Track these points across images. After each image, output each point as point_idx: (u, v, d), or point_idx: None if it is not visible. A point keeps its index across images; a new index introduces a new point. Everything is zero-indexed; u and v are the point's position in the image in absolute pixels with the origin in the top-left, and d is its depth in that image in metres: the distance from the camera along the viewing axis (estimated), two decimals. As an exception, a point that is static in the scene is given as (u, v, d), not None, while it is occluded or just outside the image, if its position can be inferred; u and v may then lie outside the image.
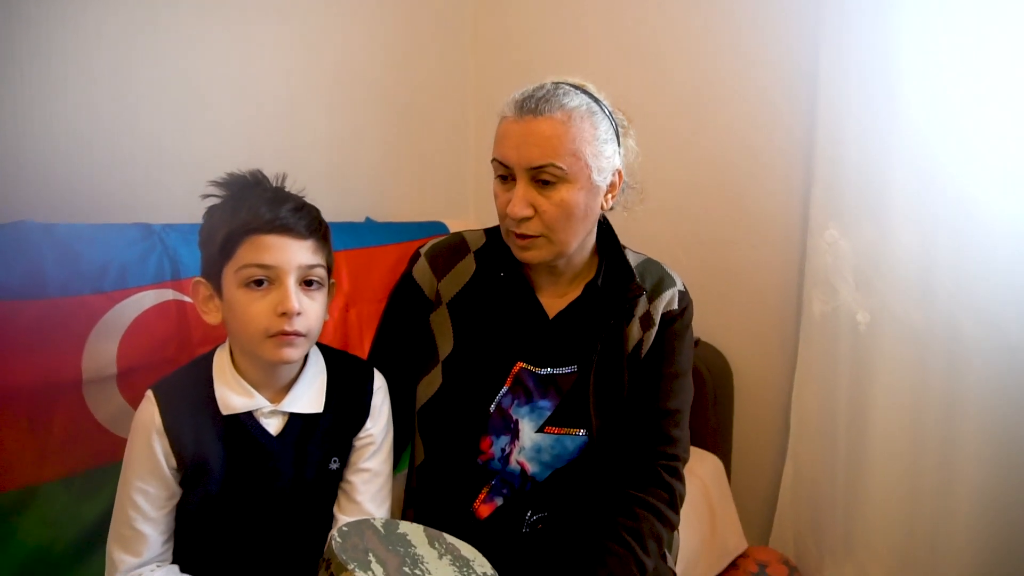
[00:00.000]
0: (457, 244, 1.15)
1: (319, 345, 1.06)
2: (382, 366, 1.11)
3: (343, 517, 1.03)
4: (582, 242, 1.06)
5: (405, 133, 2.00)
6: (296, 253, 0.92)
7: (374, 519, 0.91)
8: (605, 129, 1.02)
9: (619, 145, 1.04)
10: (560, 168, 0.97)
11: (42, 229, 1.11)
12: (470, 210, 2.17)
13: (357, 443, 1.04)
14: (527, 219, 0.99)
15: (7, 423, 1.01)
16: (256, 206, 0.92)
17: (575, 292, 1.10)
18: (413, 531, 0.89)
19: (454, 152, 2.17)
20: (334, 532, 0.84)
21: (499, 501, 1.08)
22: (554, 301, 1.10)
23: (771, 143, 1.64)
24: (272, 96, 1.67)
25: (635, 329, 1.09)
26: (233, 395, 0.95)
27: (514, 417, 1.07)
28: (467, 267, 1.12)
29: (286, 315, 0.91)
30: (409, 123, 2.01)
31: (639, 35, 1.84)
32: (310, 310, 0.94)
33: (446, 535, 0.91)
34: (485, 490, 1.08)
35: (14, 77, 1.22)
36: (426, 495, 1.12)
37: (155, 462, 0.93)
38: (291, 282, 0.92)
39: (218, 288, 0.94)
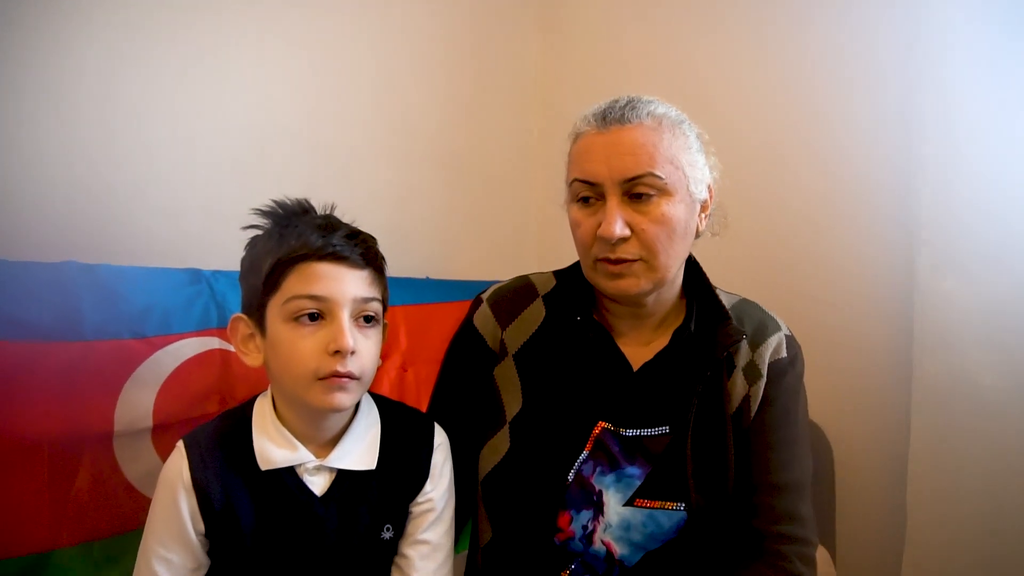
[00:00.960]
0: (523, 288, 1.02)
1: (372, 394, 0.93)
2: (450, 432, 0.97)
3: (394, 598, 0.88)
4: (675, 274, 0.92)
5: (467, 188, 1.92)
6: (351, 284, 0.81)
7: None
8: (695, 138, 0.91)
9: (706, 158, 0.93)
10: (659, 177, 0.85)
11: (83, 269, 1.03)
12: (533, 268, 2.06)
13: (414, 509, 0.90)
14: (623, 240, 0.85)
15: (26, 476, 0.90)
16: (306, 232, 0.82)
17: (662, 340, 0.95)
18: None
19: (517, 208, 2.08)
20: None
21: (580, 589, 0.90)
22: (638, 350, 0.96)
23: (868, 179, 1.48)
24: (331, 147, 1.62)
25: (738, 383, 0.93)
26: (273, 447, 0.83)
27: (597, 488, 0.91)
28: (535, 313, 0.99)
29: (339, 354, 0.79)
30: (471, 178, 1.94)
31: (711, 86, 1.74)
32: (365, 350, 0.82)
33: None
34: (564, 575, 0.90)
35: (72, 119, 1.18)
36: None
37: (180, 524, 0.80)
38: (345, 316, 0.80)
39: (261, 325, 0.83)
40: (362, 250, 0.84)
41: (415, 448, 0.91)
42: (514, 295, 1.02)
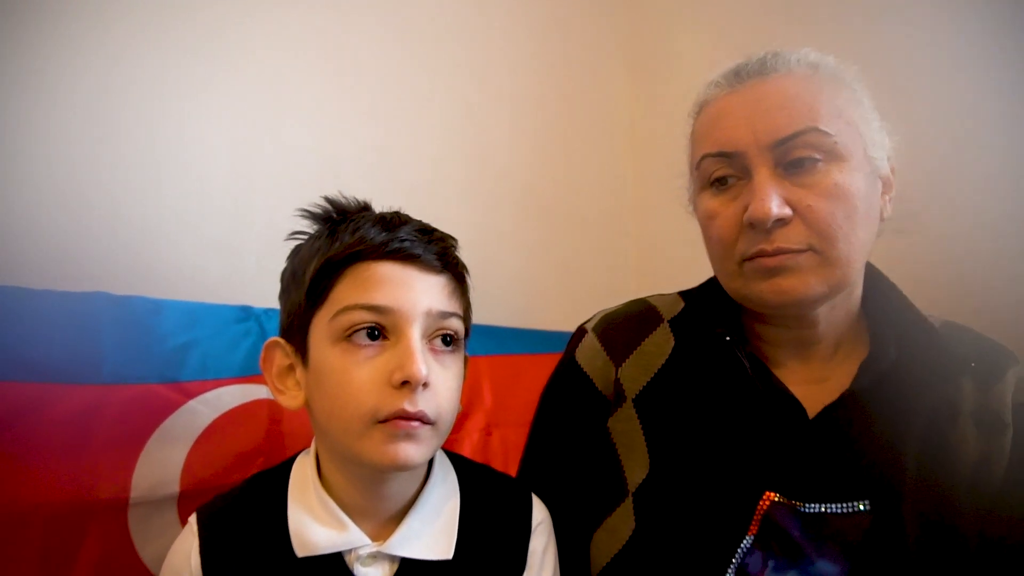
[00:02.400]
0: (641, 313, 0.78)
1: (447, 452, 0.70)
2: (553, 506, 0.73)
3: None
4: (856, 276, 0.66)
5: (555, 233, 1.74)
6: (424, 292, 0.60)
7: None
8: (863, 93, 0.67)
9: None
10: (826, 134, 0.62)
11: (112, 301, 0.86)
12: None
13: (506, 614, 0.64)
14: (782, 224, 0.61)
15: (13, 552, 0.70)
16: (364, 226, 0.61)
17: (841, 376, 0.69)
18: None
19: (611, 254, 1.87)
20: None
21: None
22: (811, 390, 0.69)
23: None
24: (406, 186, 1.46)
25: (969, 436, 0.64)
26: (315, 525, 0.60)
27: (770, 590, 0.63)
28: (661, 344, 0.75)
29: (407, 386, 0.57)
30: (559, 222, 1.75)
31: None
32: (442, 384, 0.60)
33: None
34: None
35: (118, 145, 1.06)
36: None
37: (187, 633, 0.57)
38: (415, 334, 0.58)
39: (303, 350, 0.62)
40: (438, 249, 0.63)
41: (507, 529, 0.66)
42: (629, 322, 0.78)
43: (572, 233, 1.78)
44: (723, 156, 0.66)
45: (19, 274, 0.83)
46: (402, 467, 0.58)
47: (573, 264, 1.77)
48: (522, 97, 1.70)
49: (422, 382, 0.57)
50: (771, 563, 0.64)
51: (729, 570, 0.64)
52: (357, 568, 0.60)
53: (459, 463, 0.71)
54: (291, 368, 0.63)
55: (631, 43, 1.95)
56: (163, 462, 0.81)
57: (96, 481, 0.76)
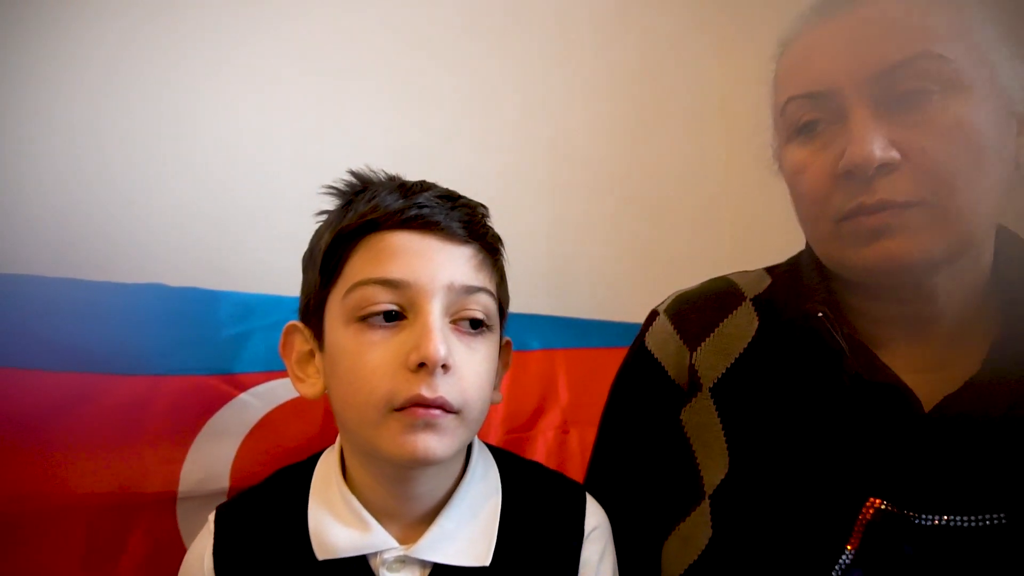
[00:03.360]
0: (720, 292, 0.68)
1: (492, 448, 0.63)
2: (619, 509, 0.65)
3: None
4: (984, 234, 0.53)
5: (641, 221, 1.64)
6: (446, 264, 0.53)
7: None
8: (992, 10, 0.53)
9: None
10: (943, 59, 0.50)
11: (167, 293, 0.85)
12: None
13: (557, 634, 0.56)
14: (887, 171, 0.50)
15: (56, 545, 0.69)
16: (381, 194, 0.55)
17: (965, 360, 0.56)
18: None
19: (701, 243, 1.75)
20: None
21: None
22: (926, 379, 0.56)
23: None
24: (479, 176, 1.40)
25: None
26: (336, 526, 0.54)
27: (876, 618, 0.51)
28: (742, 325, 0.64)
29: (425, 368, 0.49)
30: (643, 209, 1.65)
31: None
32: (468, 368, 0.53)
33: None
34: None
35: (191, 138, 1.06)
36: None
37: (200, 640, 0.53)
38: (435, 311, 0.51)
39: (319, 334, 0.56)
40: (463, 216, 0.55)
41: (556, 534, 0.58)
42: (706, 301, 0.68)
43: (660, 221, 1.68)
44: (812, 97, 0.55)
45: (79, 266, 0.84)
46: (423, 461, 0.52)
47: (660, 253, 1.66)
48: (602, 79, 1.61)
49: (440, 363, 0.50)
50: (877, 585, 0.52)
51: (825, 591, 0.52)
52: (383, 573, 0.54)
53: (504, 459, 0.63)
54: (311, 354, 0.58)
55: (718, 17, 1.82)
56: (213, 456, 0.78)
57: (144, 474, 0.75)
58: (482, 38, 1.41)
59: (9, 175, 0.89)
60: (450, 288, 0.53)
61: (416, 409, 0.51)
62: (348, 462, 0.58)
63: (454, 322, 0.54)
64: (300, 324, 0.59)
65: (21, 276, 0.76)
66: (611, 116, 1.61)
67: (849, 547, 0.53)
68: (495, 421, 1.01)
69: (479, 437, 0.66)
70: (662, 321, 0.69)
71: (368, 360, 0.52)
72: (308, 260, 0.59)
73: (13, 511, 0.68)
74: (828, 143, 0.55)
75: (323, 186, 0.62)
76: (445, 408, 0.51)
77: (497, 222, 1.37)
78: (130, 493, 0.73)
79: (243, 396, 0.82)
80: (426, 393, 0.50)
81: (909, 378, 0.56)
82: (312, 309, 0.57)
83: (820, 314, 0.58)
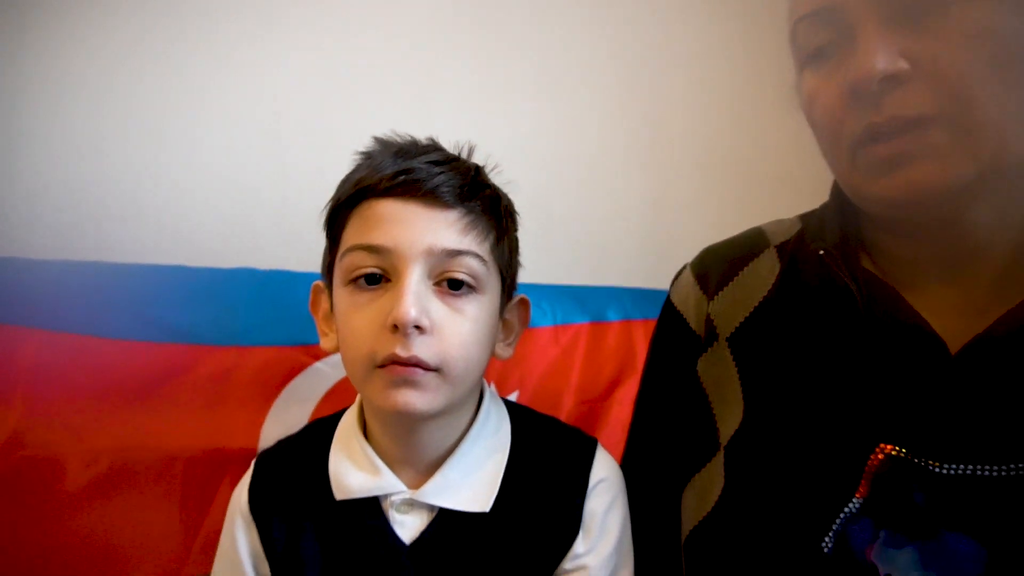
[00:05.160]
0: (746, 240, 0.65)
1: (510, 404, 0.65)
2: (640, 460, 0.64)
3: None
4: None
5: (744, 199, 1.54)
6: (426, 229, 0.55)
7: None
8: None
9: None
10: None
11: (254, 276, 0.95)
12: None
13: (560, 579, 0.57)
14: (895, 84, 0.46)
15: (156, 495, 0.80)
16: (379, 159, 0.58)
17: (997, 302, 0.49)
18: None
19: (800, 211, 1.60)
20: None
21: None
22: (965, 323, 0.50)
23: None
24: (569, 160, 1.40)
25: None
26: (352, 470, 0.59)
27: (881, 571, 0.47)
28: (763, 273, 0.61)
29: (397, 328, 0.52)
30: (748, 186, 1.54)
31: None
32: (450, 328, 0.55)
33: None
34: None
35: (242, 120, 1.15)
36: None
37: (237, 563, 0.60)
38: (413, 276, 0.54)
39: (330, 293, 0.61)
40: (451, 180, 0.57)
41: (559, 486, 0.59)
42: (729, 251, 0.65)
43: (766, 198, 1.56)
44: (819, 15, 0.51)
45: (179, 253, 0.96)
46: (405, 415, 0.54)
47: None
48: (700, 49, 1.53)
49: (411, 325, 0.53)
50: (883, 534, 0.48)
51: (827, 538, 0.49)
52: (392, 514, 0.58)
53: (519, 414, 0.65)
54: (330, 313, 0.63)
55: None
56: (289, 418, 0.86)
57: (231, 432, 0.84)
58: (572, 11, 1.38)
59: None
60: (430, 252, 0.55)
61: (394, 367, 0.54)
62: (366, 415, 0.62)
63: (439, 284, 0.56)
64: (322, 284, 0.64)
65: (132, 265, 0.89)
66: (710, 87, 1.53)
67: (858, 495, 0.49)
68: (568, 390, 1.02)
69: (502, 395, 0.68)
70: (686, 274, 0.67)
71: (355, 320, 0.56)
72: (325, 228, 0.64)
73: (123, 460, 0.80)
74: (838, 65, 0.50)
75: (356, 152, 0.65)
76: (421, 366, 0.54)
77: (585, 202, 1.35)
78: (219, 448, 0.83)
79: (318, 365, 0.90)
80: (400, 352, 0.53)
81: (944, 321, 0.51)
82: (326, 271, 0.62)
83: (821, 252, 0.54)
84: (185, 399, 0.84)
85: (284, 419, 0.87)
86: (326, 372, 0.90)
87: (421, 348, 0.53)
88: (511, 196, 0.67)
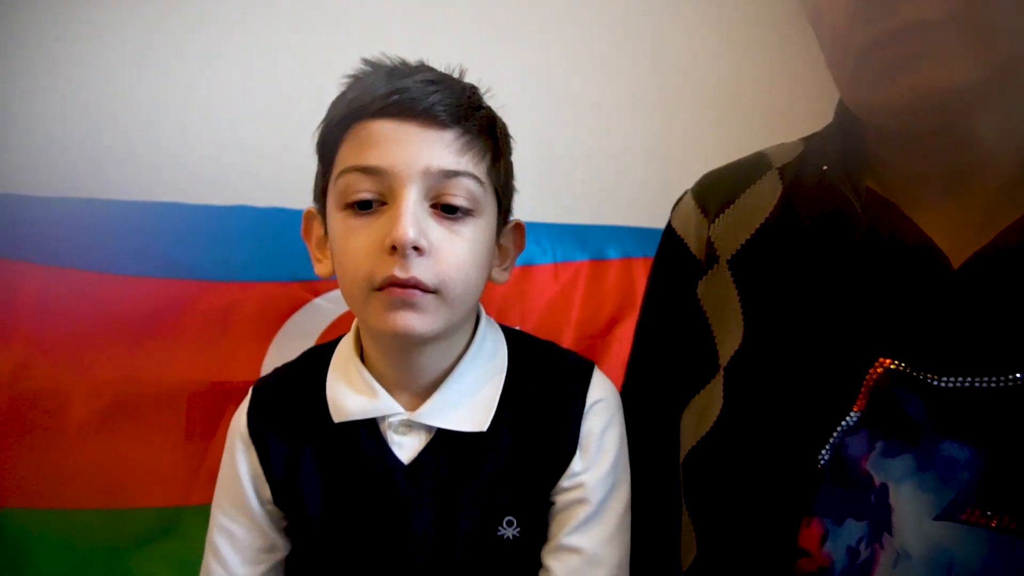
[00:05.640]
0: (747, 163, 0.64)
1: (507, 329, 0.64)
2: (640, 385, 0.64)
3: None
4: None
5: (748, 134, 1.51)
6: (422, 149, 0.54)
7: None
8: None
9: None
10: None
11: (252, 214, 0.94)
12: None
13: (558, 499, 0.58)
14: None
15: (160, 427, 0.81)
16: (372, 81, 0.57)
17: (1000, 217, 0.48)
18: None
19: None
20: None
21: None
22: (960, 238, 0.49)
23: None
24: (573, 94, 1.38)
25: None
26: (349, 393, 0.59)
27: (877, 479, 0.48)
28: (765, 195, 0.60)
29: (397, 249, 0.52)
30: (760, 126, 1.51)
31: None
32: (447, 250, 0.54)
33: None
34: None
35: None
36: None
37: (239, 488, 0.61)
38: (410, 197, 0.53)
39: (324, 218, 0.60)
40: (446, 99, 0.56)
41: (556, 407, 0.59)
42: (730, 173, 0.64)
43: (769, 136, 1.54)
44: None
45: (175, 190, 0.95)
46: (404, 337, 0.54)
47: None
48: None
49: (410, 246, 0.52)
50: (879, 445, 0.48)
51: (824, 451, 0.49)
52: (390, 435, 0.59)
53: (516, 338, 0.65)
54: (324, 238, 0.63)
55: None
56: (289, 353, 0.84)
57: (233, 365, 0.85)
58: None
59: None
60: (427, 173, 0.54)
61: (393, 289, 0.53)
62: (362, 339, 0.62)
63: (436, 206, 0.55)
64: (315, 210, 0.64)
65: (131, 202, 0.88)
66: (721, 18, 1.49)
67: (855, 408, 0.49)
68: (568, 327, 1.02)
69: (502, 322, 0.68)
70: (687, 198, 0.66)
71: (352, 244, 0.55)
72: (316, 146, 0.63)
73: (127, 393, 0.80)
74: None
75: (344, 76, 0.64)
76: (420, 288, 0.53)
77: (592, 144, 1.33)
78: (221, 381, 0.84)
79: (318, 300, 0.90)
80: (399, 273, 0.52)
81: (943, 238, 0.50)
82: (319, 195, 0.61)
83: (824, 167, 0.53)
84: (186, 334, 0.85)
85: (284, 354, 0.86)
86: (326, 308, 0.90)
87: (419, 269, 0.53)
88: (513, 132, 0.65)
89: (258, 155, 1.08)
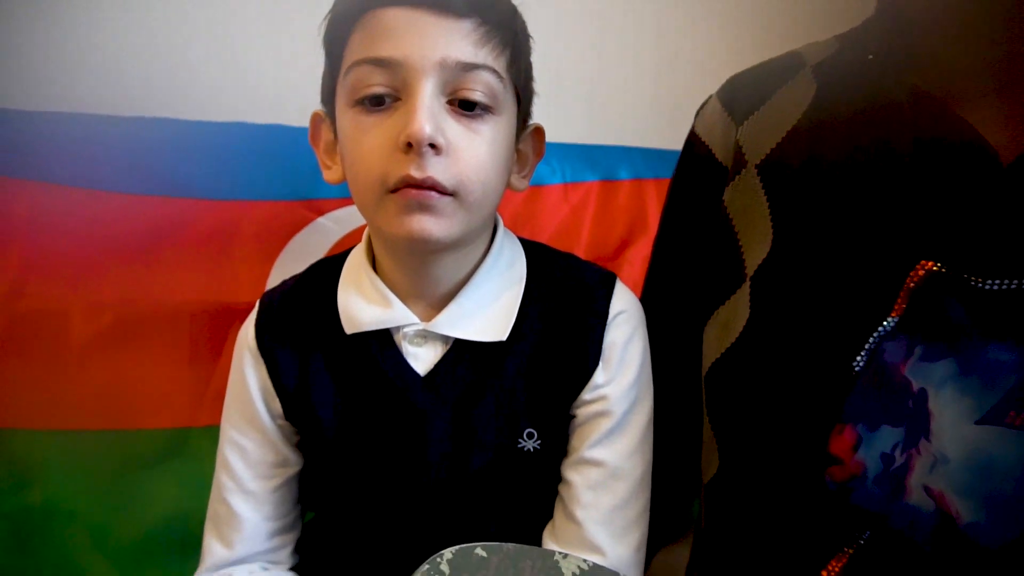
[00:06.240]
0: (778, 62, 0.60)
1: (525, 241, 0.62)
2: (660, 298, 0.62)
3: (552, 544, 0.55)
4: None
5: (765, 55, 1.45)
6: (439, 39, 0.50)
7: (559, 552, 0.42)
8: None
9: None
10: None
11: (251, 130, 0.90)
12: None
13: (579, 411, 0.57)
14: None
15: (163, 348, 0.79)
16: None
17: None
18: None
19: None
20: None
21: (878, 582, 0.47)
22: (1007, 133, 0.47)
23: None
24: (583, 11, 1.31)
25: None
26: (362, 303, 0.56)
27: (915, 385, 0.46)
28: (797, 95, 0.57)
29: (412, 147, 0.48)
30: (767, 42, 1.45)
31: None
32: (466, 150, 0.51)
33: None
34: (847, 553, 0.48)
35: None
36: (722, 545, 0.57)
37: (249, 401, 0.59)
38: (427, 89, 0.50)
39: (333, 119, 0.57)
40: None
41: (578, 318, 0.57)
42: (761, 75, 0.60)
43: (785, 28, 1.49)
44: None
45: (171, 108, 0.91)
46: (420, 242, 0.51)
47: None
48: None
49: (426, 143, 0.48)
50: (919, 350, 0.46)
51: (859, 357, 0.47)
52: (405, 347, 0.57)
53: (535, 250, 0.62)
54: (334, 141, 0.59)
55: None
56: (293, 273, 0.84)
57: (236, 287, 0.82)
58: None
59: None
60: (443, 65, 0.50)
61: (408, 190, 0.50)
62: (375, 250, 0.60)
63: (452, 103, 0.52)
64: (323, 112, 0.60)
65: (124, 117, 0.84)
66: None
67: (893, 313, 0.47)
68: (579, 248, 1.00)
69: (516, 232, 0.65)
70: (712, 102, 0.63)
71: (364, 143, 0.51)
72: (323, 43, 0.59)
73: (127, 314, 0.78)
74: None
75: None
76: (437, 189, 0.50)
77: (603, 54, 1.27)
78: (224, 303, 0.81)
79: (321, 220, 0.87)
80: (415, 173, 0.49)
81: (992, 134, 0.47)
82: (327, 95, 0.58)
83: (871, 56, 0.49)
84: (186, 254, 0.82)
85: (288, 275, 0.84)
86: (330, 227, 0.87)
87: (436, 169, 0.49)
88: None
89: (256, 73, 1.03)
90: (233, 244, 0.83)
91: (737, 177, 0.58)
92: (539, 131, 0.61)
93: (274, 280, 0.84)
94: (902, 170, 0.49)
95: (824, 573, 0.48)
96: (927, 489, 0.45)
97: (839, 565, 0.48)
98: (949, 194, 0.47)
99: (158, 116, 0.87)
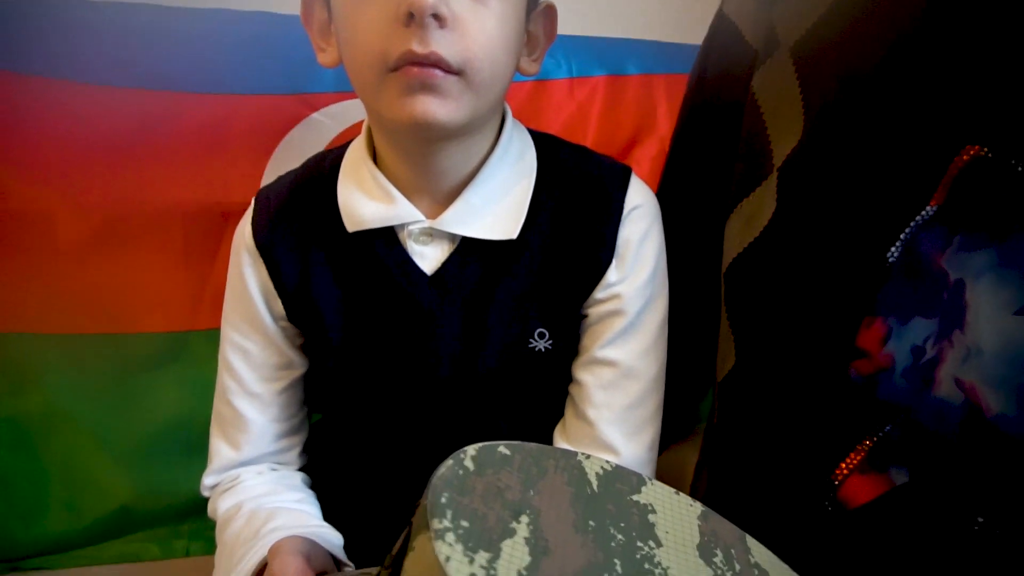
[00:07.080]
0: None
1: (534, 133, 0.58)
2: (679, 189, 0.59)
3: (564, 443, 0.55)
4: None
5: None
6: None
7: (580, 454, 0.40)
8: None
9: None
10: None
11: (236, 17, 0.84)
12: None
13: (591, 311, 0.54)
14: None
15: (157, 249, 0.77)
16: None
17: None
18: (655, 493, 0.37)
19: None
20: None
21: (899, 477, 0.46)
22: None
23: None
24: None
25: None
26: (364, 199, 0.53)
27: (952, 276, 0.44)
28: None
29: (414, 19, 0.44)
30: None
31: None
32: (473, 24, 0.46)
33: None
34: (866, 446, 0.47)
35: None
36: (734, 441, 0.56)
37: (249, 302, 0.57)
38: None
39: (328, 1, 0.52)
40: None
41: (591, 213, 0.54)
42: None
43: None
44: None
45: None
46: (424, 126, 0.47)
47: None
48: None
49: (430, 11, 0.44)
50: (958, 239, 0.44)
51: (893, 248, 0.45)
52: (410, 245, 0.54)
53: (546, 142, 0.59)
54: (328, 23, 0.54)
55: None
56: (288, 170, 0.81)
57: (229, 185, 0.79)
58: None
59: None
60: None
61: (411, 68, 0.46)
62: (376, 141, 0.56)
63: None
64: None
65: (97, 2, 0.78)
66: None
67: (932, 203, 0.44)
68: (585, 144, 0.96)
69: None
70: None
71: (361, 17, 0.47)
72: None
73: (117, 214, 0.75)
74: None
75: None
76: (442, 67, 0.46)
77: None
78: (218, 201, 0.78)
79: (316, 116, 0.82)
80: (417, 48, 0.44)
81: None
82: None
83: None
84: (175, 152, 0.78)
85: (283, 172, 0.81)
86: (325, 123, 0.83)
87: (441, 44, 0.45)
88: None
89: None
90: (223, 141, 0.79)
91: (769, 60, 0.54)
92: (551, 9, 0.56)
93: (268, 179, 0.80)
94: (952, 44, 0.45)
95: (843, 465, 0.48)
96: (958, 381, 0.43)
97: (857, 458, 0.48)
98: (998, 72, 0.44)
99: (135, 1, 0.81)
